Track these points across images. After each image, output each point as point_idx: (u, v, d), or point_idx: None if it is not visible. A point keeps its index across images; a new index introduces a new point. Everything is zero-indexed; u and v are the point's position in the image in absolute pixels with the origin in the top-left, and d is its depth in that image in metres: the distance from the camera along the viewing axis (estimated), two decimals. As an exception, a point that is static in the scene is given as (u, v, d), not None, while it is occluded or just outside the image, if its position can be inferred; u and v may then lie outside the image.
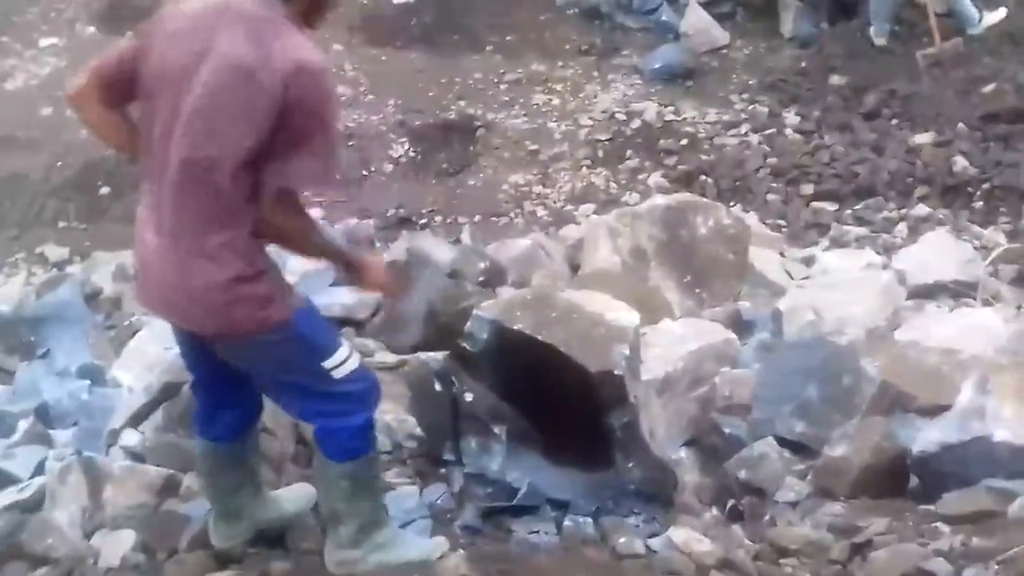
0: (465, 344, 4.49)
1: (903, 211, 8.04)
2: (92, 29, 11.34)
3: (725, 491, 4.55)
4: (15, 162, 9.08)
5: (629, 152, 9.19)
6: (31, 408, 5.21)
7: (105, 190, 8.77)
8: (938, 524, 4.07)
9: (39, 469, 4.76)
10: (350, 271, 3.86)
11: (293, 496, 4.36)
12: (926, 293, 6.16)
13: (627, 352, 4.28)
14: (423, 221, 8.38)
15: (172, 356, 4.91)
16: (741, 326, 5.64)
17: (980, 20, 10.13)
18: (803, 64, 10.34)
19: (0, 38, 11.20)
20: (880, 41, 10.26)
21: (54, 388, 5.37)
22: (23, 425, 5.07)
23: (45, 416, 5.19)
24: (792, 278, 6.57)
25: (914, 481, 4.36)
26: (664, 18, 11.18)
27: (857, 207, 8.18)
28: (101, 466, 4.56)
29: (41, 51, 10.98)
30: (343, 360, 3.74)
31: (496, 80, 10.37)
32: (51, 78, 10.47)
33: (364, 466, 3.92)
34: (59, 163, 9.05)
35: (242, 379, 3.93)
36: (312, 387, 3.75)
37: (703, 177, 8.71)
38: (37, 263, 8.00)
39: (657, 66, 10.41)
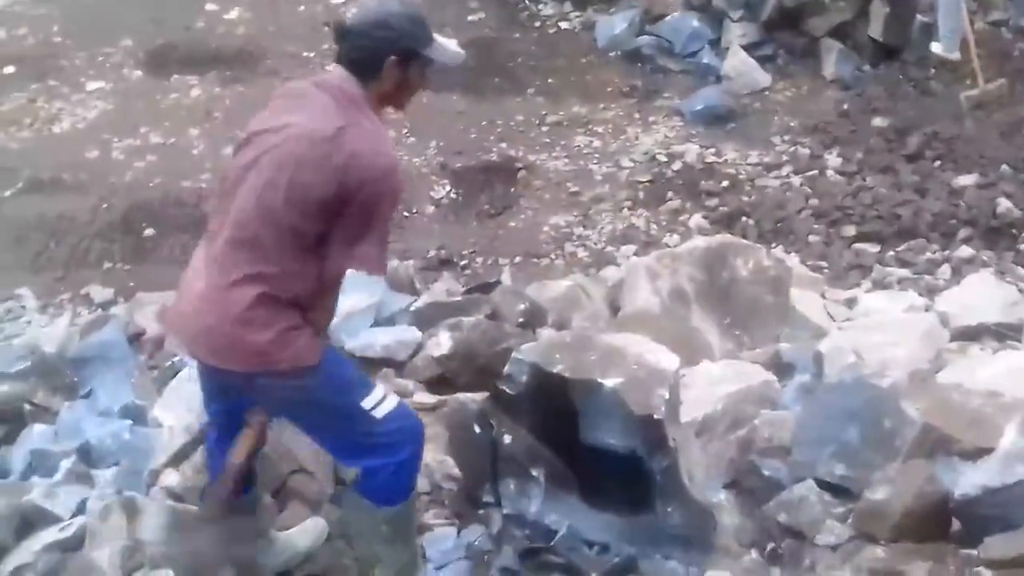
0: (504, 386, 4.50)
1: (946, 253, 7.99)
2: (139, 73, 11.48)
3: (765, 534, 4.52)
4: (61, 204, 9.17)
5: (670, 194, 9.18)
6: (73, 448, 5.24)
7: (149, 232, 8.83)
8: (981, 568, 4.03)
9: (80, 509, 4.79)
10: None
11: (303, 533, 4.41)
12: (969, 335, 6.11)
13: (667, 395, 4.27)
14: (464, 262, 8.40)
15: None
16: (781, 368, 5.61)
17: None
18: (845, 106, 10.33)
19: (48, 82, 11.35)
20: (954, 55, 10.29)
21: (96, 428, 5.40)
22: (65, 464, 5.09)
23: (87, 456, 5.22)
24: (834, 320, 6.54)
25: (956, 525, 4.32)
26: (706, 61, 11.21)
27: (899, 249, 8.13)
28: (142, 506, 4.59)
29: (88, 95, 11.11)
30: (381, 399, 3.81)
31: (537, 122, 10.40)
32: (98, 121, 10.60)
33: (403, 512, 3.95)
34: (105, 205, 9.13)
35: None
36: (353, 428, 3.82)
37: (744, 219, 8.69)
38: (82, 304, 8.05)
39: (698, 108, 10.43)
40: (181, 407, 5.23)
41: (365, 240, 3.65)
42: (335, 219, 3.62)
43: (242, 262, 3.67)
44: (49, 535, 4.66)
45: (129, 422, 5.39)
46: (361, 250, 3.66)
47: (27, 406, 5.77)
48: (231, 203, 3.74)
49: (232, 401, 3.99)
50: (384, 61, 3.74)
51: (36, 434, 5.48)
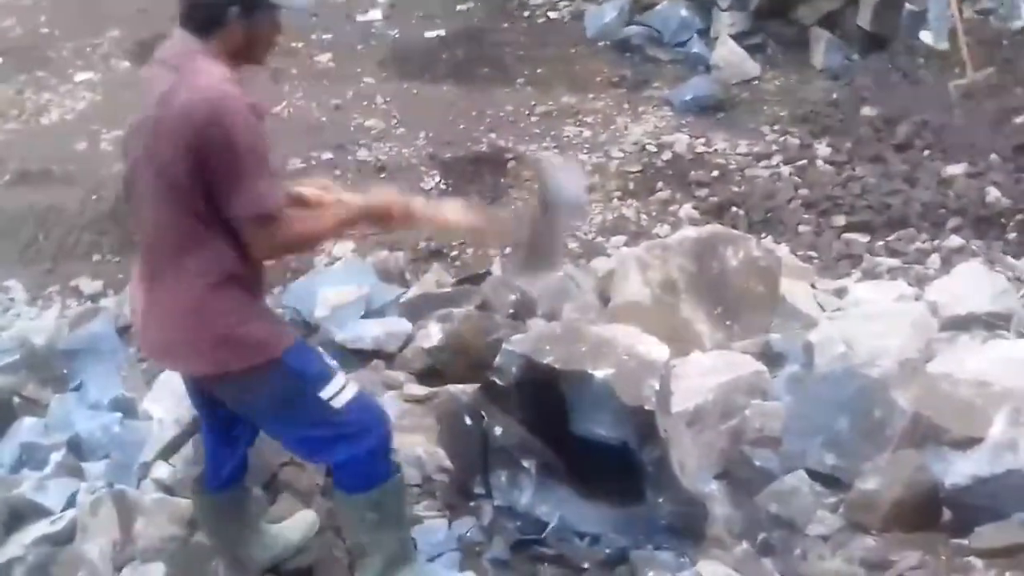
0: (495, 377, 4.49)
1: (936, 242, 7.99)
2: (127, 64, 11.46)
3: (756, 524, 4.51)
4: (50, 196, 9.14)
5: (660, 184, 9.18)
6: (63, 441, 5.25)
7: (139, 223, 8.82)
8: (971, 558, 4.03)
9: (71, 502, 4.79)
10: (386, 221, 3.85)
11: (295, 525, 4.40)
12: (959, 325, 6.11)
13: (657, 386, 4.27)
14: (454, 253, 8.39)
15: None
16: (772, 358, 5.62)
17: None
18: (834, 95, 10.35)
19: (36, 73, 11.33)
20: (943, 45, 10.32)
21: (86, 421, 5.40)
22: (55, 457, 5.10)
23: (77, 449, 5.22)
24: (823, 310, 6.54)
25: (947, 515, 4.33)
26: (695, 50, 11.23)
27: (889, 238, 8.13)
28: (132, 499, 4.59)
29: (76, 86, 11.09)
30: (340, 389, 3.73)
31: (527, 112, 10.40)
32: (86, 112, 10.59)
33: (385, 496, 3.90)
34: (94, 197, 9.10)
35: (242, 419, 4.01)
36: (314, 421, 3.74)
37: (734, 209, 8.68)
38: (71, 296, 8.05)
39: (688, 98, 10.44)
40: (171, 399, 5.22)
41: (241, 187, 3.43)
42: (209, 184, 3.46)
43: (164, 264, 3.60)
44: (39, 528, 4.66)
45: (119, 415, 5.39)
46: (243, 199, 3.44)
47: (16, 399, 5.78)
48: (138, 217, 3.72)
49: (211, 400, 3.96)
50: (226, 13, 3.55)
51: (26, 427, 5.49)
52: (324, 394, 3.70)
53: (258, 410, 3.83)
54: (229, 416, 3.99)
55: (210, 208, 3.51)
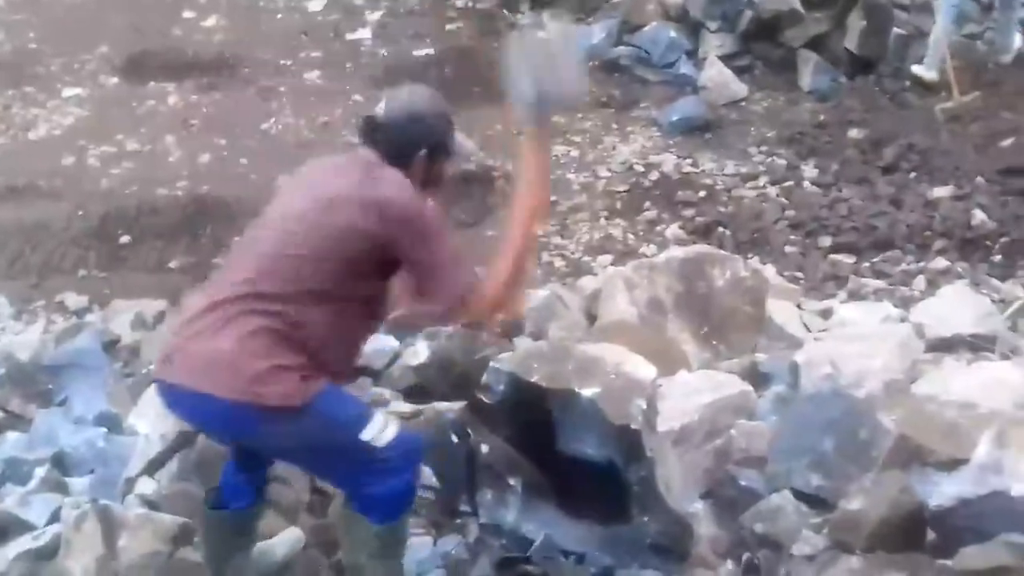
0: (481, 395, 4.50)
1: (921, 264, 8.03)
2: (115, 80, 11.46)
3: (741, 544, 4.52)
4: (37, 210, 9.13)
5: (647, 204, 9.20)
6: (48, 456, 5.22)
7: (125, 239, 8.80)
8: (955, 579, 4.03)
9: (54, 517, 4.76)
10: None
11: (279, 542, 4.40)
12: (944, 346, 6.13)
13: (644, 405, 4.28)
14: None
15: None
16: (758, 378, 5.62)
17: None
18: (821, 117, 10.38)
19: (24, 88, 11.32)
20: (932, 76, 10.35)
21: (71, 436, 5.38)
22: (39, 473, 5.07)
23: (61, 464, 5.19)
24: (809, 331, 6.55)
25: (931, 535, 4.32)
26: (683, 71, 11.25)
27: (875, 260, 8.17)
28: (116, 514, 4.55)
29: (64, 101, 11.08)
30: (381, 429, 3.75)
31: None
32: (74, 128, 10.57)
33: (401, 526, 3.94)
34: (80, 212, 9.10)
35: None
36: (355, 460, 3.76)
37: (721, 229, 8.71)
38: (56, 311, 8.02)
39: (676, 118, 10.46)
40: (156, 415, 5.20)
41: (438, 277, 3.79)
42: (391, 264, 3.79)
43: (290, 297, 3.69)
44: (22, 544, 4.63)
45: (104, 430, 5.37)
46: (441, 289, 3.81)
47: (1, 413, 5.75)
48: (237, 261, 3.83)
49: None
50: (415, 154, 3.88)
51: (10, 442, 5.47)
52: (365, 436, 3.72)
53: (294, 456, 3.94)
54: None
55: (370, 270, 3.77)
